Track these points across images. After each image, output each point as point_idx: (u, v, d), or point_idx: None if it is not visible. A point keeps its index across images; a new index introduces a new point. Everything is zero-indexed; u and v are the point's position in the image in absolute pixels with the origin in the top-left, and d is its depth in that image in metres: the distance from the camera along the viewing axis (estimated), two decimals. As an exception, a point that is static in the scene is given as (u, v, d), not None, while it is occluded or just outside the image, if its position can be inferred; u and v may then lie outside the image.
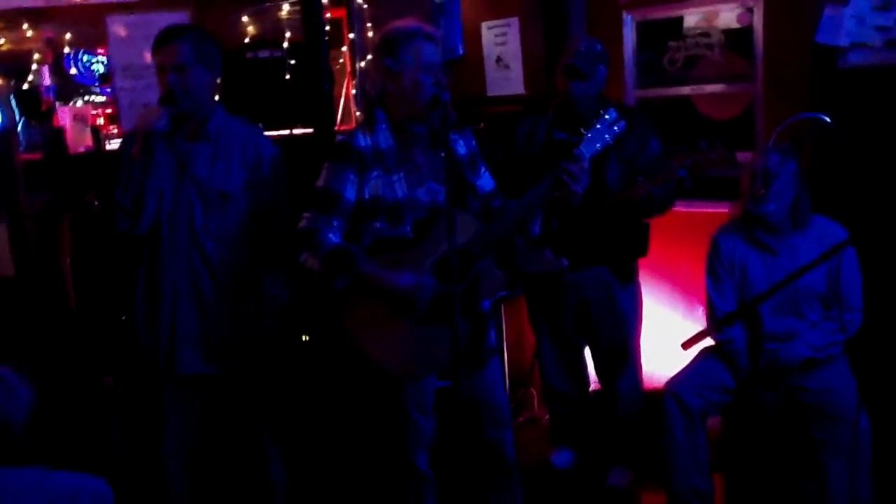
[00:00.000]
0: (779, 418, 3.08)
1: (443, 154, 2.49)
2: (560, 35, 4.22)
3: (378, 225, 2.52)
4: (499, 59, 4.56)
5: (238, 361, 2.75)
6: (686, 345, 2.46)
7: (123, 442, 3.56)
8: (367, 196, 2.52)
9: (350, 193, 2.50)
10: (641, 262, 3.67)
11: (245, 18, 4.50)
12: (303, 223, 2.52)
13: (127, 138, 2.73)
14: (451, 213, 2.19)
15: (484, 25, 4.58)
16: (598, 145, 2.52)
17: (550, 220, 3.12)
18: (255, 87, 4.55)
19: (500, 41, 4.52)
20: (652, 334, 3.92)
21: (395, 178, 2.55)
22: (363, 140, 2.53)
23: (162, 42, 2.62)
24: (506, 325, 4.19)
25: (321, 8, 3.79)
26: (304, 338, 3.82)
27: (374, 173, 2.53)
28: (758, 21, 3.82)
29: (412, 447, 2.77)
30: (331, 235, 2.47)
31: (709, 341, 3.22)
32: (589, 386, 3.97)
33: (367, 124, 2.59)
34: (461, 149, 2.69)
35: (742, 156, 3.32)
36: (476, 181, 2.75)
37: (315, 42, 3.87)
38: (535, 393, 4.33)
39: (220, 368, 2.73)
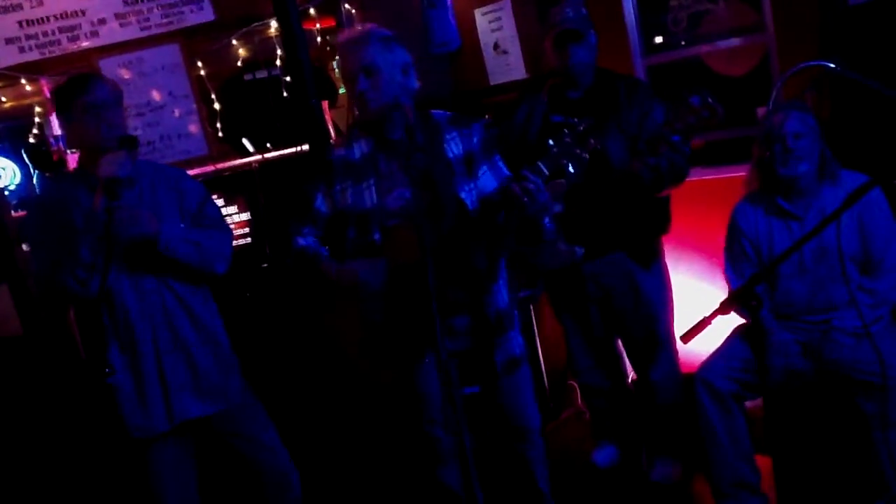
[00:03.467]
0: (823, 393, 2.82)
1: (408, 159, 2.34)
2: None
3: (350, 234, 2.57)
4: (496, 46, 4.37)
5: (233, 394, 2.67)
6: (685, 338, 2.24)
7: None
8: (339, 207, 2.57)
9: (320, 205, 2.59)
10: (665, 239, 3.43)
11: (235, 42, 4.43)
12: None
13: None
14: (420, 218, 2.19)
15: (477, 13, 4.40)
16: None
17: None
18: (256, 108, 4.49)
19: (495, 27, 4.33)
20: (687, 314, 3.68)
21: (364, 186, 2.54)
22: (338, 152, 2.59)
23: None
24: (539, 321, 4.01)
25: (299, 20, 3.67)
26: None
27: (346, 184, 2.56)
28: (760, -35, 3.55)
29: (435, 464, 2.68)
30: (300, 240, 2.61)
31: (737, 321, 3.00)
32: (627, 377, 3.76)
33: (347, 135, 2.67)
34: (454, 148, 2.57)
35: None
36: (470, 182, 2.57)
37: (295, 56, 3.75)
38: (576, 387, 4.13)
39: (218, 405, 2.65)
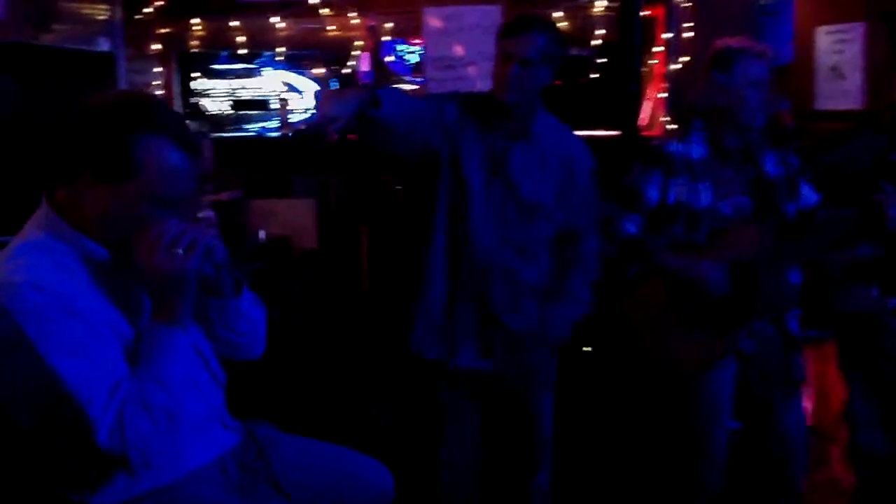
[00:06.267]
0: None
1: (754, 170, 2.51)
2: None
3: (676, 230, 2.52)
4: (834, 68, 4.05)
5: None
6: None
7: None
8: (671, 200, 2.52)
9: (653, 194, 2.53)
10: None
11: (556, 14, 4.39)
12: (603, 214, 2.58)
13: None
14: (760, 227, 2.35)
15: (819, 31, 4.09)
16: None
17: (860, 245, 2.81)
18: (561, 86, 4.43)
19: (837, 48, 4.01)
20: None
21: (700, 186, 2.52)
22: (675, 147, 2.55)
23: (517, 30, 2.35)
24: (810, 370, 3.71)
25: (640, 6, 3.56)
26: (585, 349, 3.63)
27: (681, 180, 2.52)
28: None
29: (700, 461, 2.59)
30: (628, 226, 2.53)
31: None
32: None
33: (682, 133, 2.61)
34: (773, 168, 2.57)
35: None
36: (790, 202, 2.58)
37: (629, 41, 3.65)
38: (836, 451, 3.78)
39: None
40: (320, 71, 4.85)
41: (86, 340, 1.41)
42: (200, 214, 1.62)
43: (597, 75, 4.38)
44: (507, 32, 2.35)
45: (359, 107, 2.00)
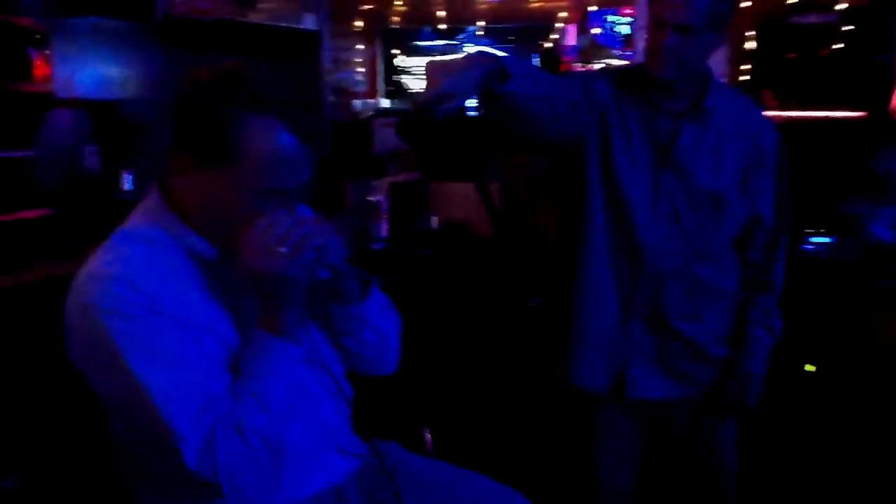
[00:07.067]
0: None
1: None
2: None
3: None
4: None
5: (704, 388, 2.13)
6: None
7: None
8: None
9: None
10: None
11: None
12: (846, 207, 2.26)
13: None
14: None
15: None
16: None
17: None
18: (795, 58, 3.84)
19: None
20: None
21: None
22: None
23: None
24: None
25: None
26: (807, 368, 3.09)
27: None
28: None
29: None
30: (878, 229, 2.24)
31: None
32: None
33: None
34: None
35: None
36: None
37: (882, 4, 3.02)
38: None
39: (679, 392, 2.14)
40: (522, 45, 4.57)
41: (178, 346, 1.22)
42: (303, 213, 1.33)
43: (840, 45, 3.72)
44: None
45: (483, 81, 1.62)
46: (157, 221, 1.30)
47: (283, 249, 1.21)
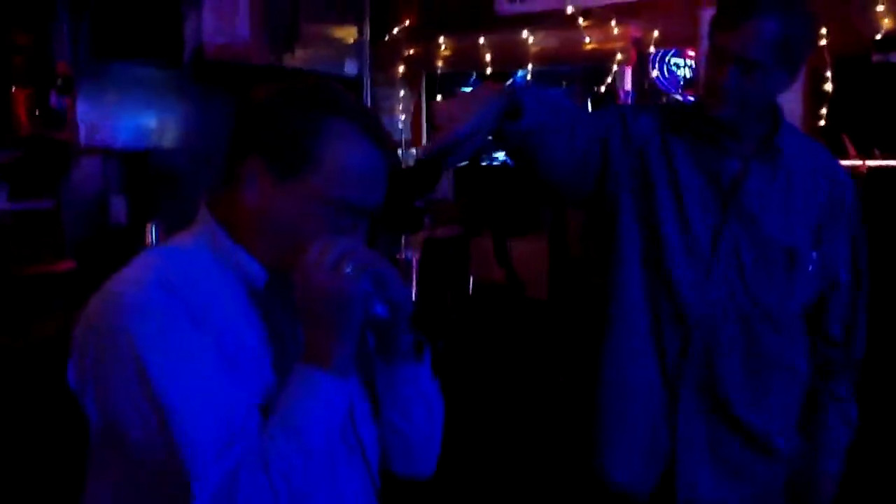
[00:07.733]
0: None
1: None
2: None
3: None
4: None
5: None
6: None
7: None
8: None
9: None
10: None
11: (880, 8, 3.44)
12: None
13: None
14: None
15: None
16: None
17: None
18: (878, 101, 3.49)
19: None
20: None
21: None
22: None
23: (738, 17, 1.53)
24: None
25: None
26: None
27: None
28: None
29: None
30: None
31: None
32: None
33: None
34: None
35: None
36: None
37: None
38: None
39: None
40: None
41: (208, 364, 1.05)
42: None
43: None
44: (723, 21, 1.55)
45: (495, 121, 1.43)
46: (204, 237, 1.15)
47: (347, 269, 1.07)
